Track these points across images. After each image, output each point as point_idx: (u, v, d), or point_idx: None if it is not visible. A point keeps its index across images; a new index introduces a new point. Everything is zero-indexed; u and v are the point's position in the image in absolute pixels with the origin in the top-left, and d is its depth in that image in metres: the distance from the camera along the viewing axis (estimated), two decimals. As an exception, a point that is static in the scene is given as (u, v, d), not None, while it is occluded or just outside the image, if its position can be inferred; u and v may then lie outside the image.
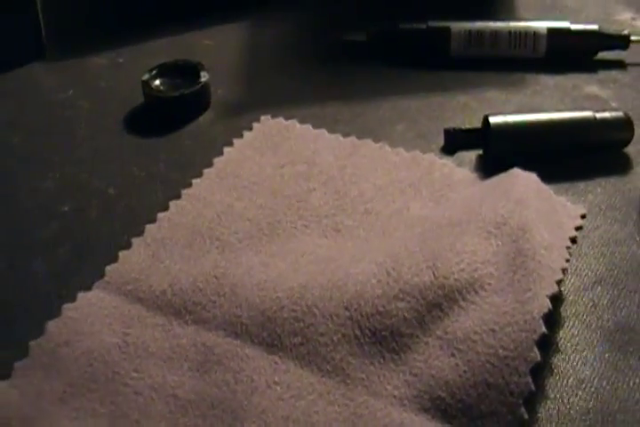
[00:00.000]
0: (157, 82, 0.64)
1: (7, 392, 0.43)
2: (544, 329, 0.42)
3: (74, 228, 0.54)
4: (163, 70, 0.64)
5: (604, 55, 0.67)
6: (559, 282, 0.44)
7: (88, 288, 0.48)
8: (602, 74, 0.66)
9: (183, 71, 0.64)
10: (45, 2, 0.69)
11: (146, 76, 0.63)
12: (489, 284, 0.43)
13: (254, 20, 0.74)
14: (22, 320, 0.48)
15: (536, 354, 0.41)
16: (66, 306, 0.47)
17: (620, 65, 0.67)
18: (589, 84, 0.65)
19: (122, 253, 0.50)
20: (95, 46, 0.71)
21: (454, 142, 0.58)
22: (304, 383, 0.43)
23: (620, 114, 0.57)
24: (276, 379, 0.43)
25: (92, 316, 0.46)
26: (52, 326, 0.46)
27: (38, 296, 0.49)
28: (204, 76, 0.63)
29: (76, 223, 0.54)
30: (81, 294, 0.47)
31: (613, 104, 0.63)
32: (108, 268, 0.49)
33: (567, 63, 0.67)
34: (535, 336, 0.41)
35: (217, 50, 0.70)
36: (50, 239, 0.53)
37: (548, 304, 0.42)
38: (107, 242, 0.52)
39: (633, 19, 0.73)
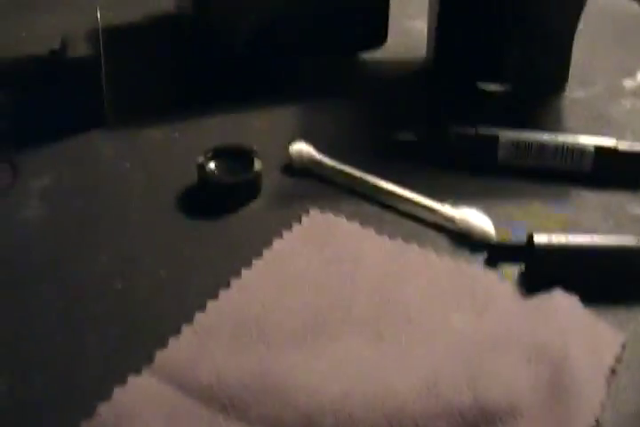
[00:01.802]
0: (212, 165, 0.68)
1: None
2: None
3: (124, 306, 0.58)
4: (217, 153, 0.68)
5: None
6: (597, 417, 0.47)
7: (137, 371, 0.52)
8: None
9: (237, 156, 0.69)
10: (110, 72, 0.74)
11: (201, 159, 0.67)
12: (529, 412, 0.47)
13: (310, 104, 0.78)
14: (71, 398, 0.52)
15: None
16: (117, 390, 0.50)
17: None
18: (634, 204, 0.69)
19: (171, 340, 0.53)
20: (152, 119, 0.75)
21: (498, 255, 0.62)
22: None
23: (663, 242, 0.61)
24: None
25: (141, 402, 0.50)
26: (103, 408, 0.49)
27: (88, 374, 0.53)
28: (258, 164, 0.67)
29: (128, 302, 0.58)
30: (131, 379, 0.51)
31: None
32: (158, 353, 0.52)
33: (613, 180, 0.70)
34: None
35: (269, 133, 0.75)
36: (102, 316, 0.57)
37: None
38: (156, 324, 0.56)
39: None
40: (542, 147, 0.70)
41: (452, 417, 0.47)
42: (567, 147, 0.70)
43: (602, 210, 0.68)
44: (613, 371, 0.52)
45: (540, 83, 0.82)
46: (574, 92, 0.82)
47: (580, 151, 0.70)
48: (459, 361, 0.51)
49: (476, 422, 0.47)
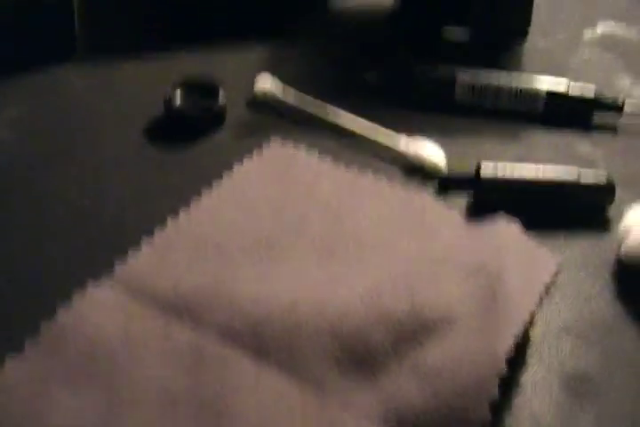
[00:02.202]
0: (178, 97, 0.71)
1: (17, 367, 0.49)
2: (505, 368, 0.49)
3: (91, 222, 0.62)
4: (184, 86, 0.71)
5: (599, 117, 0.75)
6: (526, 327, 0.51)
7: (97, 280, 0.55)
8: (595, 135, 0.74)
9: (204, 89, 0.72)
10: (82, 5, 0.76)
11: (168, 91, 0.70)
12: (462, 320, 0.51)
13: (280, 43, 0.81)
14: (34, 300, 0.56)
15: (496, 390, 0.48)
16: (76, 295, 0.54)
17: (613, 128, 0.74)
18: (582, 144, 0.73)
19: (132, 254, 0.57)
20: (123, 52, 0.78)
21: (447, 185, 0.65)
22: (284, 391, 0.50)
23: (602, 178, 0.64)
24: (260, 385, 0.50)
25: (99, 308, 0.53)
26: (62, 312, 0.52)
27: (53, 279, 0.57)
28: (222, 98, 0.70)
29: (93, 217, 0.62)
30: (91, 287, 0.54)
31: (601, 165, 0.70)
32: (117, 265, 0.56)
33: (564, 121, 0.74)
34: (497, 374, 0.48)
35: (237, 67, 0.78)
36: (68, 229, 0.61)
37: (511, 346, 0.49)
38: (120, 240, 0.59)
39: (632, 85, 0.80)
40: (498, 89, 0.74)
41: (390, 324, 0.51)
42: (521, 89, 0.73)
43: (552, 149, 0.72)
44: (547, 289, 0.56)
45: (503, 30, 0.85)
46: (536, 40, 0.85)
47: (533, 94, 0.73)
48: (401, 275, 0.54)
49: (412, 328, 0.51)
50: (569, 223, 0.64)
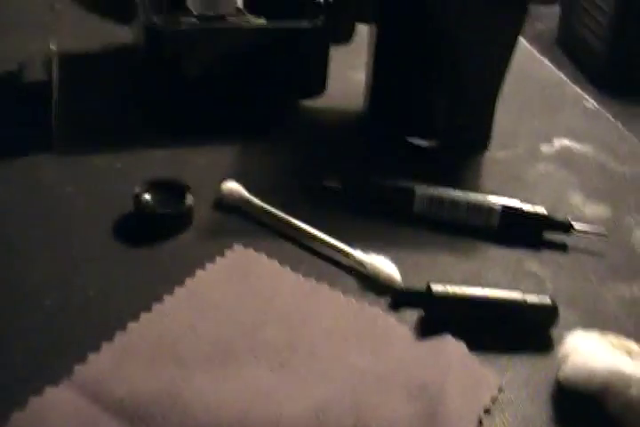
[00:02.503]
0: (147, 196, 0.74)
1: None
2: None
3: (51, 322, 0.64)
4: (153, 186, 0.75)
5: (550, 236, 0.79)
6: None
7: (55, 383, 0.57)
8: (545, 253, 0.77)
9: (172, 189, 0.75)
10: (62, 99, 0.80)
11: (137, 190, 0.74)
12: (402, 442, 0.53)
13: (247, 145, 0.85)
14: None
15: None
16: (33, 399, 0.56)
17: (562, 248, 0.78)
18: (531, 262, 0.76)
19: (90, 356, 0.59)
20: (98, 148, 0.82)
21: (400, 301, 0.68)
22: None
23: (547, 300, 0.68)
24: None
25: (55, 412, 0.55)
26: (16, 416, 0.54)
27: (7, 382, 0.59)
28: (190, 200, 0.74)
29: (54, 318, 0.64)
30: (48, 389, 0.56)
31: (548, 284, 0.74)
32: (76, 367, 0.58)
33: (516, 238, 0.78)
34: None
35: (205, 170, 0.81)
36: (28, 330, 0.63)
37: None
38: (79, 341, 0.62)
39: (583, 203, 0.84)
40: (455, 203, 0.78)
41: (333, 443, 0.53)
42: (477, 204, 0.78)
43: (502, 265, 0.75)
44: (487, 410, 0.59)
45: (465, 142, 0.90)
46: (496, 152, 0.90)
47: (487, 209, 0.77)
48: (348, 393, 0.57)
49: (354, 448, 0.53)
50: (513, 344, 0.67)
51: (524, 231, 0.79)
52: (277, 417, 0.55)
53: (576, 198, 0.85)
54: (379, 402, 0.56)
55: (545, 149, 0.92)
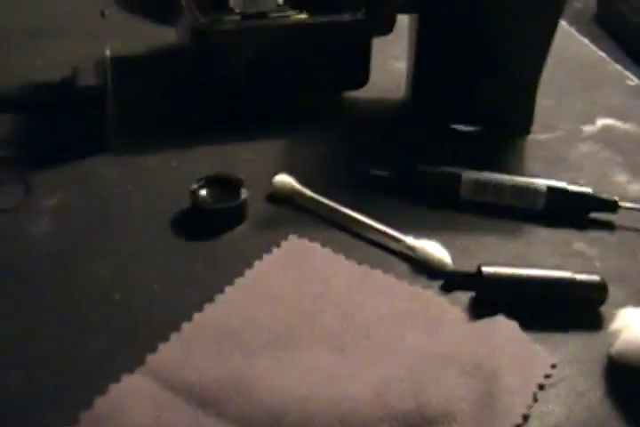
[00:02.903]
0: (203, 192, 0.78)
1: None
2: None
3: (121, 315, 0.68)
4: (209, 181, 0.78)
5: (595, 215, 0.81)
6: (521, 424, 0.57)
7: (130, 371, 0.61)
8: (591, 233, 0.80)
9: (226, 184, 0.79)
10: (116, 101, 0.84)
11: (194, 186, 0.77)
12: (461, 417, 0.57)
13: (295, 139, 0.89)
14: (71, 393, 0.61)
15: None
16: (112, 386, 0.60)
17: (608, 226, 0.81)
18: (578, 242, 0.78)
19: (161, 346, 0.63)
20: (153, 147, 0.86)
21: (452, 283, 0.71)
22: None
23: (596, 278, 0.70)
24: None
25: (132, 397, 0.59)
26: (99, 401, 0.59)
27: (87, 372, 0.63)
28: (244, 194, 0.77)
29: (123, 311, 0.68)
30: (125, 377, 0.61)
31: (596, 263, 0.76)
32: (149, 356, 0.62)
33: (562, 219, 0.80)
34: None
35: (257, 164, 0.85)
36: (101, 323, 0.67)
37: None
38: (148, 331, 0.66)
39: (628, 182, 0.87)
40: (500, 186, 0.80)
41: (395, 420, 0.57)
42: (523, 187, 0.80)
43: (549, 245, 0.78)
44: (541, 387, 0.62)
45: (508, 126, 0.92)
46: (539, 134, 0.92)
47: (533, 191, 0.80)
48: (406, 373, 0.60)
49: (415, 425, 0.57)
50: (565, 322, 0.69)
51: (570, 212, 0.81)
52: (340, 398, 0.58)
53: (621, 177, 0.87)
54: (436, 380, 0.59)
55: (588, 129, 0.94)
